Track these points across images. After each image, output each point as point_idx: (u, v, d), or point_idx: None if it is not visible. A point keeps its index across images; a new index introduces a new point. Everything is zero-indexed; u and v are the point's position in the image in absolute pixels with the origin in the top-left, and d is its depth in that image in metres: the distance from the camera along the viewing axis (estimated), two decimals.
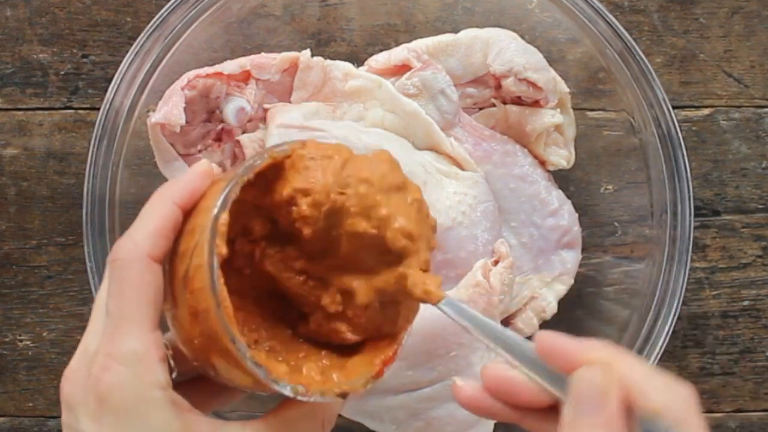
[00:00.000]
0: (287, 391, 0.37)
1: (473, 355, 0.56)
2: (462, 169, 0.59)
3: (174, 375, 0.39)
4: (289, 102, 0.58)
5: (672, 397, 0.35)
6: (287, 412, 0.40)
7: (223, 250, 0.37)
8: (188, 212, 0.39)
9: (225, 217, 0.37)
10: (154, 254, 0.38)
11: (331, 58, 0.59)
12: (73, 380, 0.38)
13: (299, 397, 0.38)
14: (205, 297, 0.37)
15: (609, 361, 0.36)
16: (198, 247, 0.37)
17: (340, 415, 0.60)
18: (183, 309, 0.38)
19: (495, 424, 0.58)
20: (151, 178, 0.59)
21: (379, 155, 0.41)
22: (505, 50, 0.58)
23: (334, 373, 0.40)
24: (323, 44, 0.64)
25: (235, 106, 0.57)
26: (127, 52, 0.57)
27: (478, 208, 0.58)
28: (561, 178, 0.61)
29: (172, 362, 0.39)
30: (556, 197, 0.60)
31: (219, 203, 0.37)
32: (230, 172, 0.40)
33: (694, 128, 0.65)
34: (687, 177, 0.58)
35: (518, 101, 0.59)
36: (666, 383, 0.35)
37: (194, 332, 0.38)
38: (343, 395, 0.38)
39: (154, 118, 0.56)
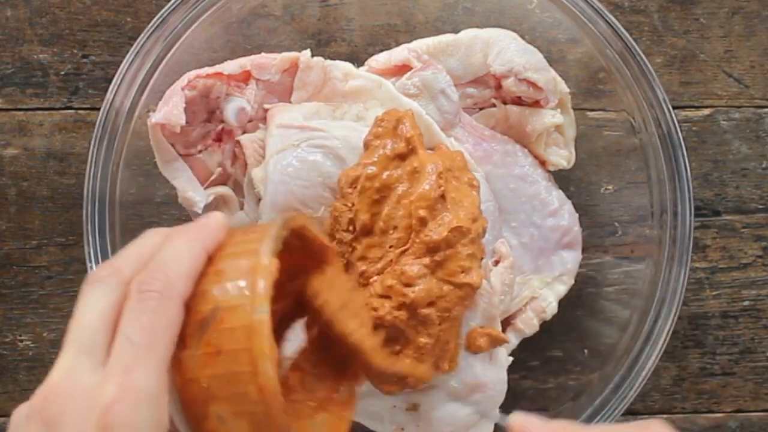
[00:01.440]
0: None
1: (472, 356, 0.56)
2: None
3: None
4: (290, 102, 0.58)
5: None
6: None
7: (271, 293, 0.39)
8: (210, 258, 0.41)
9: (276, 261, 0.39)
10: (186, 296, 0.39)
11: (332, 58, 0.59)
12: (63, 401, 0.36)
13: None
14: (240, 337, 0.38)
15: None
16: (235, 288, 0.39)
17: None
18: (194, 349, 0.39)
19: (495, 425, 0.58)
20: (151, 178, 0.59)
21: None
22: (505, 50, 0.58)
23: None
24: (323, 44, 0.64)
25: (236, 106, 0.57)
26: (127, 52, 0.57)
27: None
28: (561, 178, 0.61)
29: None
30: (556, 197, 0.60)
31: (267, 249, 0.40)
32: (247, 228, 0.43)
33: (694, 128, 0.65)
34: (687, 177, 0.58)
35: (518, 101, 0.59)
36: None
37: (204, 374, 0.38)
38: None
39: (155, 118, 0.55)
